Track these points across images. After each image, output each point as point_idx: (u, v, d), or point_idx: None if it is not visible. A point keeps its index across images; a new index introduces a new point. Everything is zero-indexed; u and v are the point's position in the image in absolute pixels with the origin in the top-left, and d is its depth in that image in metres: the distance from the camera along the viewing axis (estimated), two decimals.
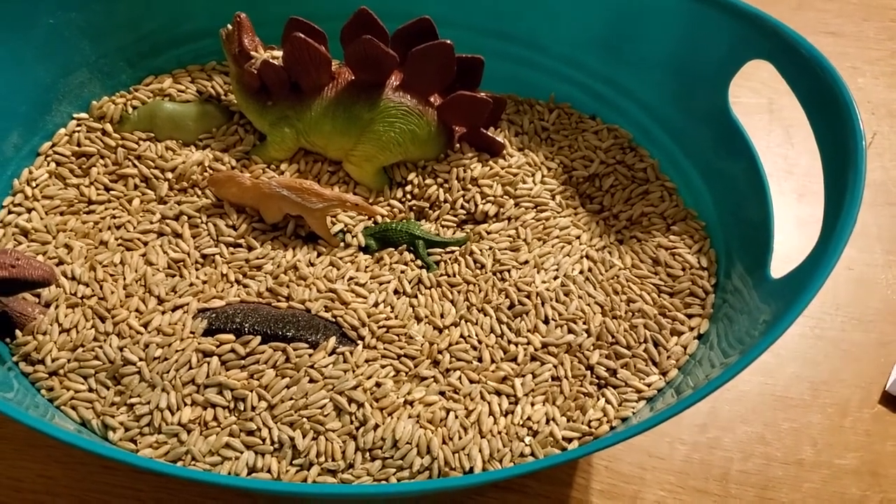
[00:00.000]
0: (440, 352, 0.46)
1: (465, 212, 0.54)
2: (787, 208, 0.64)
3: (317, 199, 0.50)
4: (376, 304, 0.49)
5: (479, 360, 0.47)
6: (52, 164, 0.54)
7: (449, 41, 0.51)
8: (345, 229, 0.53)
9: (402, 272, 0.51)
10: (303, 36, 0.51)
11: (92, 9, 0.55)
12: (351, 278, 0.50)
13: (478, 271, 0.51)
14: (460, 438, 0.43)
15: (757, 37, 0.49)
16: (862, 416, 0.53)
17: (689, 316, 0.49)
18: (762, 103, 0.72)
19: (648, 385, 0.46)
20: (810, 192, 0.65)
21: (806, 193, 0.65)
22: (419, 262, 0.52)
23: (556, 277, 0.50)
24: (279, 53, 0.54)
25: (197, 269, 0.50)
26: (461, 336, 0.47)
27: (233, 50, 0.54)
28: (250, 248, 0.51)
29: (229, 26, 0.54)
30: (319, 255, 0.52)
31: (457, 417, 0.44)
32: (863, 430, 0.52)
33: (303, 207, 0.51)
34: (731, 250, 0.51)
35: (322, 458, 0.42)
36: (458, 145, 0.56)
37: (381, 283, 0.50)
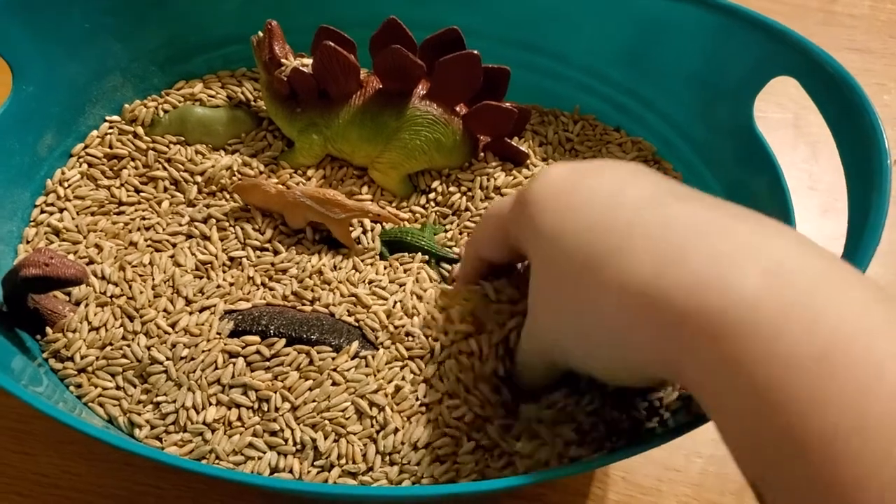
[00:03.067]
0: None
1: None
2: (810, 225, 0.63)
3: (340, 210, 0.51)
4: (394, 306, 0.49)
5: None
6: (84, 166, 0.55)
7: (476, 52, 0.52)
8: (363, 229, 0.53)
9: (419, 274, 0.51)
10: (333, 45, 0.51)
11: (125, 14, 0.56)
12: (371, 281, 0.50)
13: None
14: None
15: (783, 53, 0.49)
16: None
17: None
18: (788, 119, 0.72)
19: (668, 396, 0.46)
20: (834, 208, 0.65)
21: (829, 210, 0.65)
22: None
23: None
24: (309, 61, 0.55)
25: (224, 272, 0.51)
26: None
27: (263, 57, 0.55)
28: (276, 252, 0.52)
29: (260, 33, 0.55)
30: (343, 258, 0.52)
31: None
32: None
33: (326, 217, 0.51)
34: None
35: (343, 461, 0.42)
36: (482, 154, 0.57)
37: (399, 286, 0.50)
